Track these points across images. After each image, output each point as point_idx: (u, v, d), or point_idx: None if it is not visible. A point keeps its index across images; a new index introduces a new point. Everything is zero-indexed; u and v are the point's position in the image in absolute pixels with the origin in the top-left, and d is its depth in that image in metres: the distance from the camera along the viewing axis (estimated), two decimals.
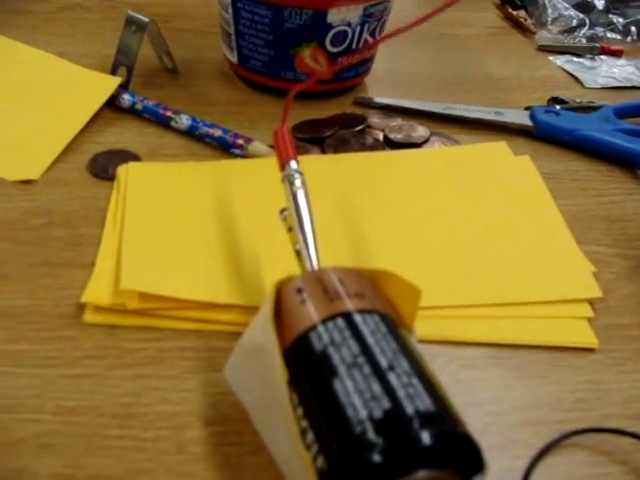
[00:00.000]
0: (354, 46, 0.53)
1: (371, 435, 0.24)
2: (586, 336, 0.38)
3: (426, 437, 0.24)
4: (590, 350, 0.38)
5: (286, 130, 0.38)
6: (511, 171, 0.49)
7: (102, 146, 0.48)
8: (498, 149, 0.51)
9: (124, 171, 0.45)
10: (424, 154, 0.49)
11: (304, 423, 0.26)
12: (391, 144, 0.51)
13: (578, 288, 0.40)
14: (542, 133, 0.55)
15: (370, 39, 0.54)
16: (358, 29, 0.52)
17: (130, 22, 0.52)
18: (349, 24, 0.51)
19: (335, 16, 0.50)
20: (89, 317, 0.35)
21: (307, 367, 0.27)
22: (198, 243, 0.40)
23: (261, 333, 0.29)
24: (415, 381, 0.26)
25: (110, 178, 0.45)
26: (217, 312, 0.36)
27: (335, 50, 0.52)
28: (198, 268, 0.38)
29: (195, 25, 0.65)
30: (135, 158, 0.47)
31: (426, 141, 0.51)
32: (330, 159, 0.48)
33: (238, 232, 0.41)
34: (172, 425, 0.32)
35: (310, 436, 0.26)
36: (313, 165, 0.45)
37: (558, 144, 0.55)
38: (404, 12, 0.74)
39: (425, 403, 0.25)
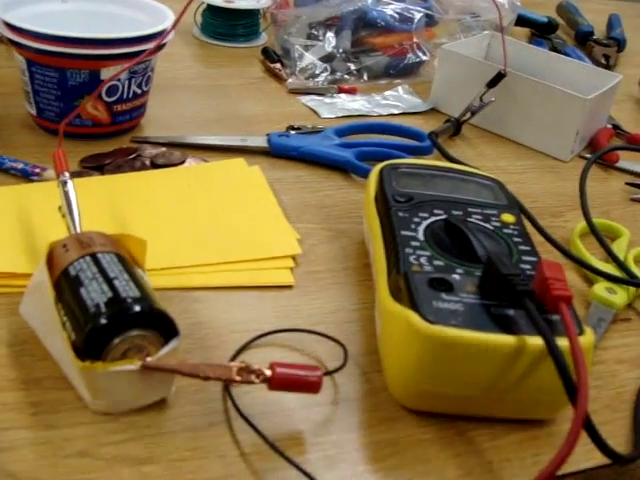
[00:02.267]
0: (125, 96, 0.69)
1: (100, 310, 0.40)
2: (285, 278, 0.55)
3: (133, 307, 0.40)
4: (289, 287, 0.55)
5: (60, 152, 0.53)
6: (243, 177, 0.66)
7: None
8: (236, 163, 0.68)
9: None
10: (178, 170, 0.66)
11: (64, 319, 0.42)
12: (156, 167, 0.67)
13: (283, 248, 0.58)
14: (276, 151, 0.72)
15: (139, 90, 0.70)
16: (127, 83, 0.68)
17: None
18: (119, 79, 0.67)
19: (106, 74, 0.66)
20: None
21: (66, 284, 0.43)
22: (5, 234, 0.54)
23: (39, 274, 0.44)
24: (131, 284, 0.42)
25: None
26: (19, 279, 0.51)
27: (110, 100, 0.68)
28: (6, 250, 0.53)
29: (5, 89, 0.78)
30: None
31: (182, 162, 0.67)
32: (106, 178, 0.64)
33: (35, 227, 0.56)
34: None
35: (68, 324, 0.41)
36: (92, 183, 0.61)
37: (289, 159, 0.72)
38: (180, 70, 0.91)
39: (135, 293, 0.41)
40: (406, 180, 0.58)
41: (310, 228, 0.62)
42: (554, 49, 1.13)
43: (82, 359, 0.39)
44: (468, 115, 0.81)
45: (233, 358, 0.47)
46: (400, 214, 0.53)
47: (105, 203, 0.60)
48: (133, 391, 0.41)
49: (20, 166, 0.63)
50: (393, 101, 0.90)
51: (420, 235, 0.51)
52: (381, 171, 0.59)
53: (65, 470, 0.39)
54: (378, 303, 0.49)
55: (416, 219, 0.53)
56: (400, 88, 0.93)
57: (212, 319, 0.51)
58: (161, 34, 0.68)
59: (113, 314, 0.40)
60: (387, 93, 0.92)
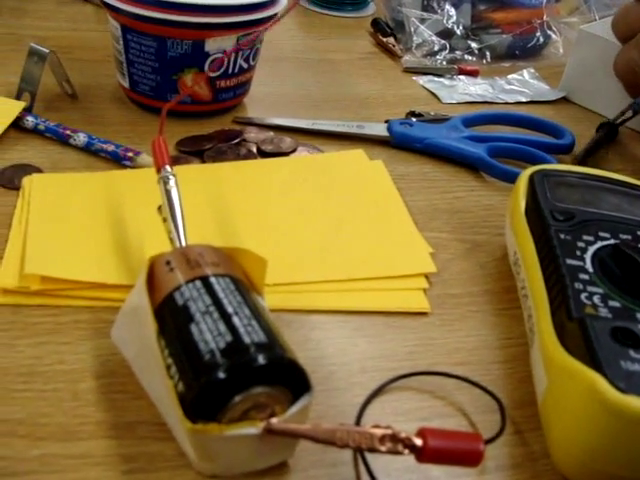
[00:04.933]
0: (230, 71, 0.61)
1: (217, 359, 0.31)
2: (420, 303, 0.46)
3: (259, 359, 0.31)
4: (423, 314, 0.46)
5: (161, 140, 0.45)
6: (365, 173, 0.57)
7: (9, 161, 0.54)
8: (355, 155, 0.59)
9: (28, 181, 0.51)
10: (290, 160, 0.57)
11: (169, 360, 0.33)
12: (263, 154, 0.58)
13: (415, 265, 0.48)
14: (397, 142, 0.63)
15: (245, 65, 0.62)
16: (233, 56, 0.60)
17: (32, 53, 0.58)
18: (224, 52, 0.59)
19: (212, 45, 0.58)
20: None
21: (171, 317, 0.34)
22: (92, 235, 0.47)
23: (137, 297, 0.36)
24: (254, 322, 0.33)
25: (16, 188, 0.51)
26: (107, 291, 0.43)
27: (213, 75, 0.60)
28: (91, 255, 0.45)
29: (94, 56, 0.72)
30: (38, 171, 0.53)
31: (293, 151, 0.59)
32: (208, 167, 0.55)
33: (126, 227, 0.48)
34: (68, 379, 0.38)
35: (173, 369, 0.33)
36: (192, 172, 0.53)
37: (412, 151, 0.63)
38: (285, 41, 0.82)
39: (260, 337, 0.33)
40: (563, 192, 0.48)
41: (442, 239, 0.53)
42: None
43: (192, 419, 0.31)
44: (629, 114, 0.69)
45: (364, 406, 0.39)
46: (562, 236, 0.44)
47: (206, 198, 0.51)
48: (250, 455, 0.33)
49: (111, 148, 0.55)
50: (519, 86, 0.80)
51: (588, 265, 0.42)
52: (531, 178, 0.50)
53: None
54: (542, 351, 0.40)
55: (580, 244, 0.43)
56: (525, 72, 0.83)
57: (337, 352, 0.42)
58: (275, 1, 0.59)
59: (235, 366, 0.31)
60: (511, 77, 0.81)
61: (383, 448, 0.33)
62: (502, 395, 0.41)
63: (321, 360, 0.42)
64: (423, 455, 0.33)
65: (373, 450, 0.33)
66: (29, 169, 0.53)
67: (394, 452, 0.33)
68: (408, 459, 0.33)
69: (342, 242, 0.49)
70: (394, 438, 0.33)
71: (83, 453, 0.35)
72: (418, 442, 0.33)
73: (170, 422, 0.35)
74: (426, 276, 0.49)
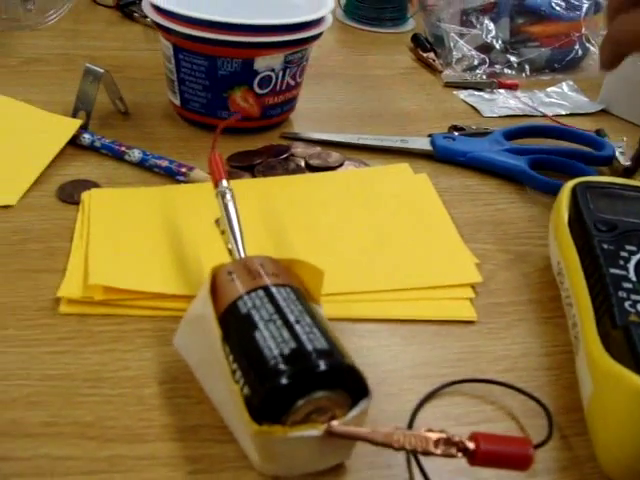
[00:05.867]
0: (278, 88, 0.63)
1: (281, 365, 0.33)
2: (467, 312, 0.48)
3: (320, 365, 0.33)
4: (471, 323, 0.47)
5: (218, 156, 0.47)
6: (410, 186, 0.58)
7: (67, 177, 0.56)
8: (401, 169, 0.61)
9: (87, 196, 0.53)
10: (337, 175, 0.59)
11: (234, 366, 0.35)
12: (311, 169, 0.60)
13: (461, 275, 0.50)
14: (441, 156, 0.64)
15: (292, 82, 0.64)
16: (281, 74, 0.62)
17: (87, 73, 0.61)
18: (273, 70, 0.61)
19: (260, 64, 0.60)
20: (64, 308, 0.44)
21: (235, 325, 0.36)
22: (150, 247, 0.49)
23: (201, 306, 0.38)
24: (315, 330, 0.35)
25: (76, 202, 0.53)
26: (167, 301, 0.45)
27: (262, 92, 0.62)
28: (151, 266, 0.47)
29: (144, 74, 0.74)
30: (96, 186, 0.55)
31: (340, 165, 0.60)
32: (259, 182, 0.57)
33: (183, 239, 0.50)
34: (133, 385, 0.40)
35: (238, 374, 0.35)
36: (245, 186, 0.55)
37: (455, 165, 0.65)
38: (327, 57, 0.84)
39: (322, 344, 0.34)
40: (606, 203, 0.49)
41: (486, 250, 0.54)
42: None
43: (258, 422, 0.33)
44: None
45: (416, 411, 0.40)
46: (605, 246, 0.45)
47: (259, 211, 0.53)
48: (311, 456, 0.35)
49: (165, 164, 0.57)
50: (557, 99, 0.81)
51: (632, 274, 0.43)
52: (574, 190, 0.51)
53: None
54: (587, 357, 0.41)
55: (623, 253, 0.45)
56: (564, 84, 0.84)
57: (388, 359, 0.44)
58: (321, 20, 0.61)
59: (298, 372, 0.33)
60: (550, 90, 0.83)
61: (438, 451, 0.34)
62: (548, 401, 0.42)
63: (373, 367, 0.43)
64: (475, 458, 0.34)
65: (428, 453, 0.34)
66: (87, 184, 0.55)
67: (448, 455, 0.34)
68: (459, 462, 0.35)
69: (390, 253, 0.51)
70: (448, 442, 0.34)
71: (149, 454, 0.36)
72: (471, 445, 0.34)
73: (232, 425, 0.37)
74: (472, 286, 0.50)
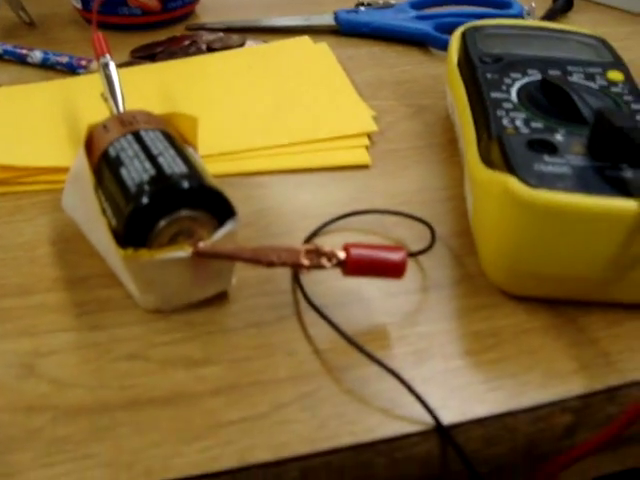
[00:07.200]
0: None
1: (141, 188, 0.34)
2: (361, 157, 0.48)
3: (179, 183, 0.34)
4: (365, 167, 0.48)
5: (100, 35, 0.47)
6: (309, 56, 0.59)
7: None
8: (301, 42, 0.61)
9: None
10: (237, 52, 0.60)
11: (105, 205, 0.36)
12: (213, 52, 0.60)
13: (356, 125, 0.51)
14: (345, 29, 0.65)
15: None
16: None
17: None
18: None
19: None
20: None
21: (106, 169, 0.37)
22: (47, 129, 0.49)
23: (78, 160, 0.39)
24: (178, 160, 0.36)
25: None
26: (63, 174, 0.45)
27: None
28: (47, 145, 0.48)
29: None
30: None
31: (241, 45, 0.61)
32: (157, 66, 0.58)
33: (80, 122, 0.50)
34: (26, 248, 0.41)
35: (108, 211, 0.35)
36: (142, 71, 0.56)
37: (360, 36, 0.65)
38: None
39: (182, 169, 0.35)
40: (493, 41, 0.50)
41: (388, 105, 0.55)
42: None
43: (124, 247, 0.34)
44: None
45: (309, 239, 0.41)
46: (489, 76, 0.46)
47: (157, 91, 0.54)
48: (186, 283, 0.36)
49: (65, 60, 0.58)
50: None
51: (513, 97, 0.43)
52: (463, 34, 0.52)
53: (113, 374, 0.33)
54: (468, 173, 0.42)
55: (507, 80, 0.45)
56: None
57: (279, 205, 0.45)
58: None
59: (157, 192, 0.34)
60: None
61: (307, 262, 0.35)
62: (441, 228, 0.43)
63: (263, 212, 0.44)
64: (347, 267, 0.35)
65: (299, 265, 0.35)
66: None
67: (318, 266, 0.35)
68: (346, 284, 0.36)
69: (286, 113, 0.52)
70: (318, 252, 0.35)
71: (39, 303, 0.37)
72: (341, 255, 0.35)
73: (116, 268, 0.37)
74: (369, 136, 0.50)
